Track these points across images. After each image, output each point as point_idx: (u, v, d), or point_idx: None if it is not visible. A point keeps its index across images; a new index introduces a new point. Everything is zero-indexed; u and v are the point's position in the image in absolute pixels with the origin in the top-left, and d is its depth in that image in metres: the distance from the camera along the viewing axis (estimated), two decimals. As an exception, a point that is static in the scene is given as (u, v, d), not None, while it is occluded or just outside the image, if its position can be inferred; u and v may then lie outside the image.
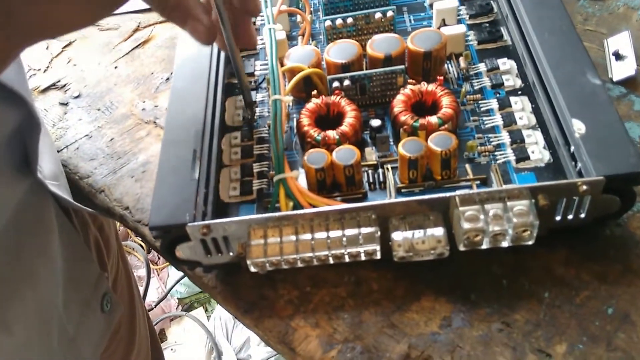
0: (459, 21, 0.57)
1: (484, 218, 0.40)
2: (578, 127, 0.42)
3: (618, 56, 0.55)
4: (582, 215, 0.41)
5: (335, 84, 0.51)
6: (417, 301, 0.44)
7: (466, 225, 0.40)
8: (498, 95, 0.51)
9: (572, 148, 0.42)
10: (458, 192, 0.41)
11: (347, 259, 0.42)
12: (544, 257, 0.44)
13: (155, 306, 1.55)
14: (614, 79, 0.54)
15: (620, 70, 0.54)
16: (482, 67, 0.53)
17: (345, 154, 0.45)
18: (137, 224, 0.52)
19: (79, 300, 0.55)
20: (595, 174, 0.39)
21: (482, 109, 0.50)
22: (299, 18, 0.61)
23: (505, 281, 0.43)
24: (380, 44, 0.52)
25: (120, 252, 0.81)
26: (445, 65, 0.54)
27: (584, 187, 0.39)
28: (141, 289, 1.56)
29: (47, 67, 0.70)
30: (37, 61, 0.71)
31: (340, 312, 0.44)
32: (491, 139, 0.48)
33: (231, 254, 0.44)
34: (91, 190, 0.56)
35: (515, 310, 0.42)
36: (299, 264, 0.42)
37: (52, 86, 0.67)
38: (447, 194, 0.41)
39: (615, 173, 0.39)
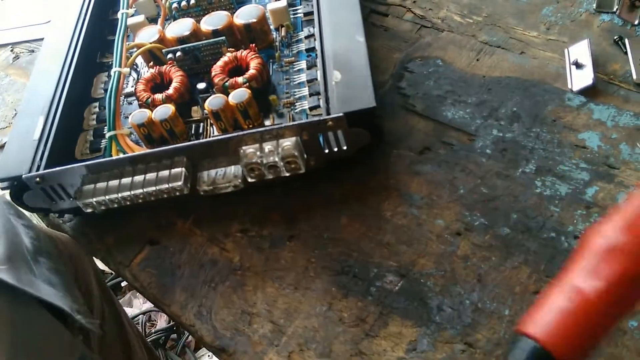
0: (289, -4, 0.65)
1: (260, 154, 0.49)
2: (336, 76, 0.51)
3: (578, 65, 0.56)
4: (345, 148, 0.50)
5: (170, 55, 0.60)
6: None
7: (245, 160, 0.49)
8: (310, 57, 0.59)
9: (328, 93, 0.51)
10: (239, 133, 0.50)
11: (165, 196, 0.51)
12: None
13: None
14: (573, 89, 0.55)
15: (579, 80, 0.55)
16: (302, 34, 0.62)
17: (162, 111, 0.54)
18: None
19: None
20: (338, 111, 0.48)
21: (295, 69, 0.59)
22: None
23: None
24: (211, 21, 0.61)
25: (105, 295, 0.75)
26: (274, 34, 0.63)
27: (330, 122, 0.48)
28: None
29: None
30: None
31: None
32: (296, 93, 0.57)
33: (71, 200, 0.53)
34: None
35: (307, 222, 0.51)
36: (124, 203, 0.51)
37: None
38: (231, 135, 0.50)
39: (352, 110, 0.48)
